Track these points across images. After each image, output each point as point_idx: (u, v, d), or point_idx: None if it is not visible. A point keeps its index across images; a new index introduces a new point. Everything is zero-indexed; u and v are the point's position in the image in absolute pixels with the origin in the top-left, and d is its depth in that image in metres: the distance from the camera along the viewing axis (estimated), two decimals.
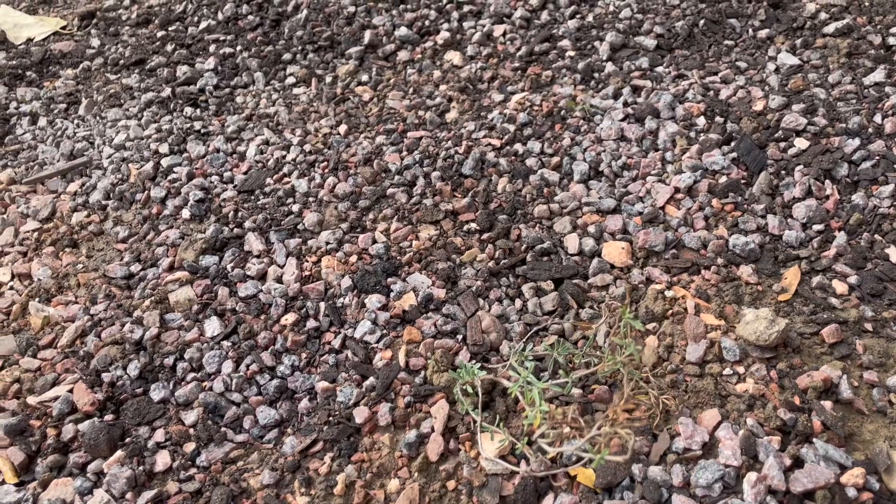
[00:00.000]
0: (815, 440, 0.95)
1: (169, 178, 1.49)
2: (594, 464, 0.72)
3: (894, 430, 0.97)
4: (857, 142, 1.33)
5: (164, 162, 1.52)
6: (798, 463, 0.94)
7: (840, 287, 1.15)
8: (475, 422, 1.00)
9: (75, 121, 1.72)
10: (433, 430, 1.02)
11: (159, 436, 1.06)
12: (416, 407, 1.05)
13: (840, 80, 1.49)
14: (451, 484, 0.97)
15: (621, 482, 0.94)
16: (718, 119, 1.44)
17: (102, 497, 0.99)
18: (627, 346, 0.93)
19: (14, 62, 1.97)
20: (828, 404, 0.99)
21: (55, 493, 1.00)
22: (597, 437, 0.87)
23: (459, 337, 1.14)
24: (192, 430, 1.06)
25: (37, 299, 1.29)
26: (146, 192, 1.47)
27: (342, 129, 1.57)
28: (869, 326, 1.09)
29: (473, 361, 1.10)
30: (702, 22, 1.71)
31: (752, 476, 0.91)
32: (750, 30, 1.68)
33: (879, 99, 1.42)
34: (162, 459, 1.03)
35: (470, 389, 1.02)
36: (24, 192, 1.55)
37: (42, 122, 1.74)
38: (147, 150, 1.57)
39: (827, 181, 1.29)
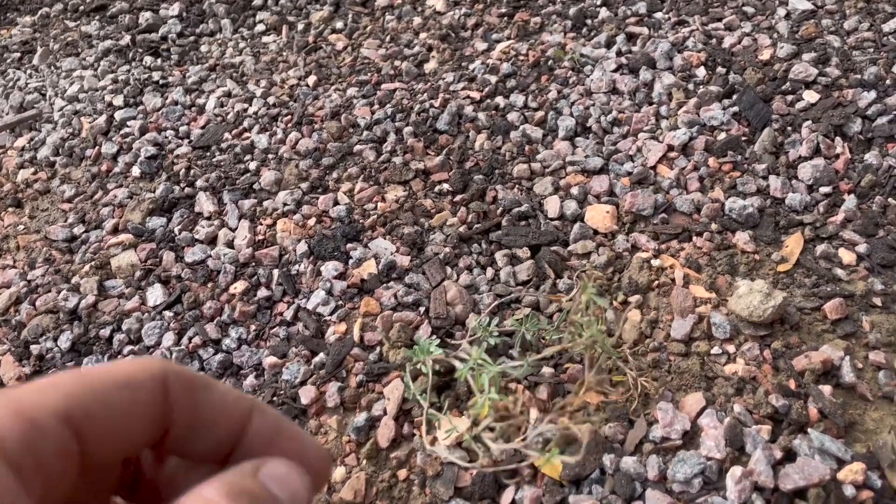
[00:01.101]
0: (810, 430, 0.84)
1: (122, 132, 1.38)
2: (542, 464, 0.61)
3: None
4: (872, 95, 1.19)
5: (118, 115, 1.41)
6: (790, 456, 0.83)
7: (847, 256, 1.03)
8: (423, 407, 0.89)
9: (28, 71, 1.61)
10: (385, 412, 0.92)
11: None
12: (368, 387, 0.95)
13: (857, 27, 1.34)
14: (402, 473, 0.87)
15: (590, 475, 0.84)
16: (720, 70, 1.31)
17: None
18: (590, 324, 0.82)
19: None
20: (827, 389, 0.88)
21: None
22: (549, 432, 0.76)
23: (422, 309, 1.04)
24: None
25: None
26: (97, 147, 1.36)
27: (311, 80, 1.44)
28: (878, 301, 0.97)
29: (434, 337, 0.99)
30: None
31: (736, 471, 0.81)
32: None
33: None
34: None
35: (424, 369, 0.91)
36: None
37: None
38: (101, 103, 1.46)
39: (837, 138, 1.16)
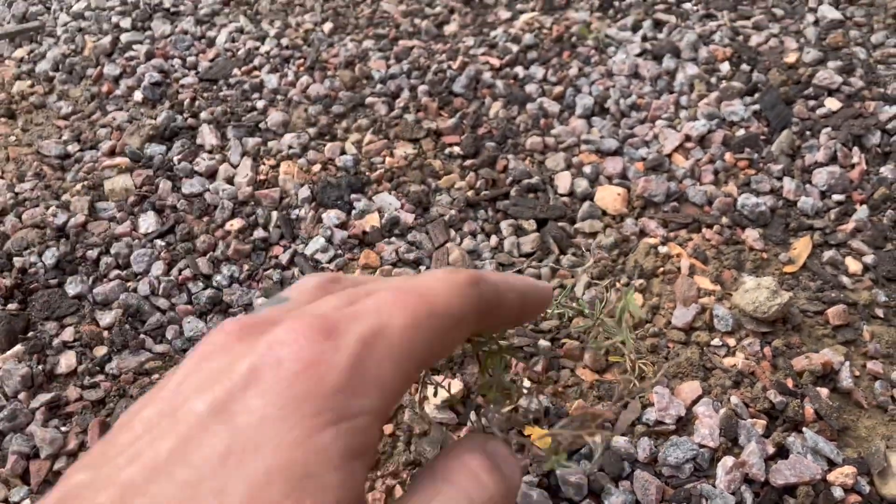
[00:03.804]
0: (804, 429, 0.83)
1: (126, 55, 1.33)
2: (548, 466, 0.60)
3: (893, 430, 0.86)
4: (894, 109, 1.18)
5: (124, 38, 1.36)
6: (782, 452, 0.82)
7: (853, 265, 1.02)
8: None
9: None
10: None
11: (68, 334, 0.93)
12: None
13: (884, 42, 1.33)
14: (387, 428, 0.85)
15: (579, 450, 0.83)
16: (745, 67, 1.29)
17: None
18: (621, 333, 0.79)
19: None
20: (824, 391, 0.87)
21: None
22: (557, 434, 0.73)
23: (422, 268, 1.01)
24: (106, 333, 0.93)
25: None
26: (99, 67, 1.31)
27: (327, 27, 1.40)
28: (880, 312, 0.96)
29: None
30: None
31: (728, 461, 0.79)
32: None
33: None
34: (66, 361, 0.90)
35: None
36: None
37: None
38: (107, 23, 1.40)
39: (855, 148, 1.15)
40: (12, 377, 0.87)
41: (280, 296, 0.33)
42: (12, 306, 0.95)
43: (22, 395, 0.87)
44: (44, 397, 0.86)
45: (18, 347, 0.91)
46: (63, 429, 0.84)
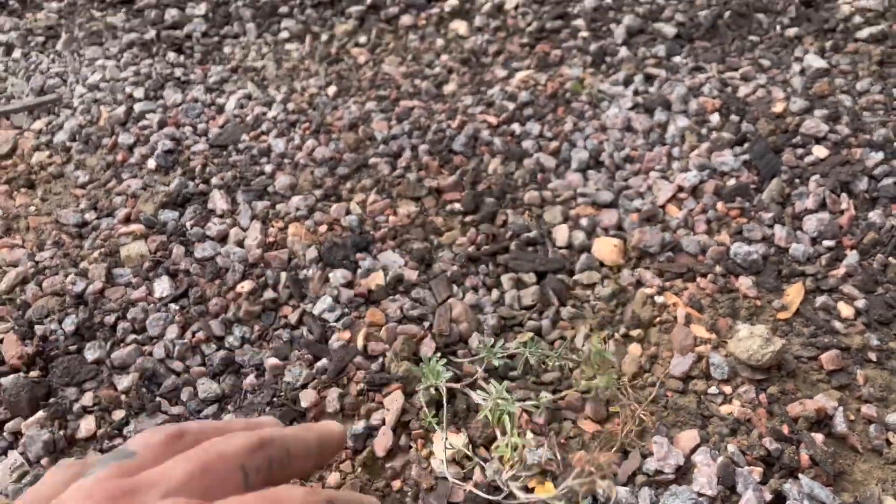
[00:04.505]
0: (800, 476, 0.86)
1: (140, 124, 1.39)
2: None
3: (889, 473, 0.88)
4: (880, 155, 1.22)
5: (137, 107, 1.42)
6: (779, 499, 0.84)
7: (846, 310, 1.05)
8: (429, 421, 0.91)
9: (51, 55, 1.62)
10: (384, 422, 0.93)
11: (87, 399, 0.97)
12: (368, 396, 0.96)
13: (869, 89, 1.38)
14: (396, 483, 0.88)
15: (582, 501, 0.85)
16: (734, 117, 1.34)
17: (16, 460, 0.91)
18: (600, 381, 0.85)
19: None
20: (819, 437, 0.90)
21: None
22: (573, 487, 0.80)
23: (426, 324, 1.05)
24: (123, 397, 0.97)
25: None
26: (114, 137, 1.37)
27: (331, 90, 1.46)
28: (873, 356, 0.99)
29: (438, 354, 1.00)
30: (727, 14, 1.60)
31: None
32: (778, 27, 1.57)
33: None
34: (86, 425, 0.94)
35: (433, 390, 0.93)
36: None
37: (16, 53, 1.64)
38: (121, 94, 1.47)
39: (843, 194, 1.19)
40: (35, 443, 0.91)
41: (126, 449, 0.33)
42: (34, 373, 0.99)
43: (44, 461, 0.90)
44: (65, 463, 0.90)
45: (40, 413, 0.94)
46: None
